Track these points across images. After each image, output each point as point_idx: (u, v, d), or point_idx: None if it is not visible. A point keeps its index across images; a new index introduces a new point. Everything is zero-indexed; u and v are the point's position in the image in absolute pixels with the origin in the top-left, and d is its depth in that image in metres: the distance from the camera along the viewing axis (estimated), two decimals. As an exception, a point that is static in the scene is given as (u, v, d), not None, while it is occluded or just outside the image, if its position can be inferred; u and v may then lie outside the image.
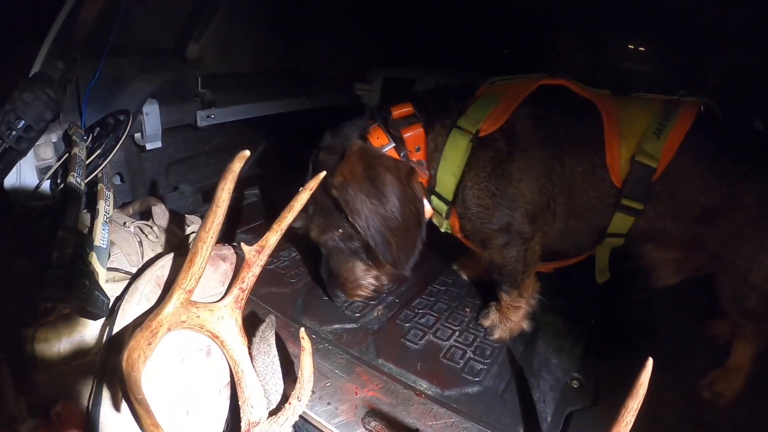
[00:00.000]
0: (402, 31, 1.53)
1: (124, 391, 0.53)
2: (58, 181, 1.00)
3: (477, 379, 0.87)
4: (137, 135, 1.20)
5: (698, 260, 0.90)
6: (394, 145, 0.89)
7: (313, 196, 0.76)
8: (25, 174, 1.08)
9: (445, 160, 0.87)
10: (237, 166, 0.65)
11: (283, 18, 1.41)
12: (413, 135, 0.90)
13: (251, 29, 1.37)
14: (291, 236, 0.89)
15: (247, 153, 0.66)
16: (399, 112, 0.91)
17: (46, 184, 1.06)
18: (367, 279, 1.00)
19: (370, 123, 0.91)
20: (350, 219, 0.84)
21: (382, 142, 0.89)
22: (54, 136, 1.11)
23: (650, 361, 0.51)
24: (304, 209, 0.80)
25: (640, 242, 0.92)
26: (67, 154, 0.92)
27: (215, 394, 0.81)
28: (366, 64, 1.50)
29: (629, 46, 1.40)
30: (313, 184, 0.74)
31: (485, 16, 1.46)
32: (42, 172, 1.10)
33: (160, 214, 0.89)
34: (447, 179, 0.88)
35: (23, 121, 0.83)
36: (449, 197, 0.90)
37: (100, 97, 1.12)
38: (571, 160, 0.87)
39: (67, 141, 0.94)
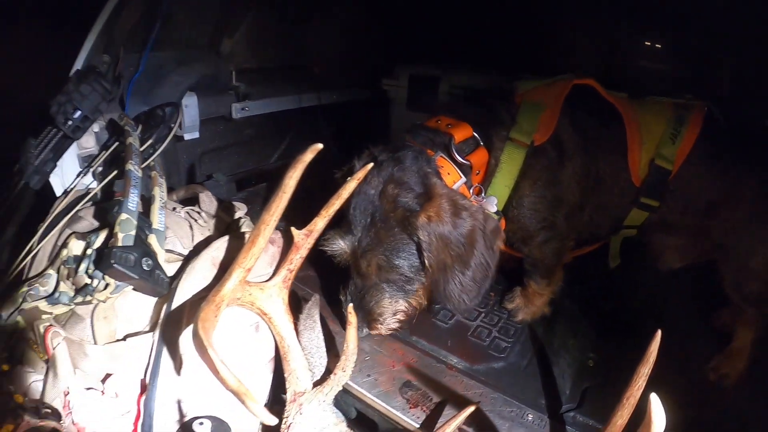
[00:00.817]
0: (424, 29, 1.58)
1: (205, 356, 0.60)
2: (105, 169, 1.07)
3: (502, 355, 0.97)
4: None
5: (703, 247, 0.98)
6: (464, 180, 0.89)
7: (375, 231, 0.82)
8: (66, 162, 1.14)
9: (501, 173, 0.91)
10: (308, 156, 0.71)
11: (310, 15, 1.46)
12: (478, 160, 0.91)
13: (279, 27, 1.42)
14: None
15: (320, 146, 0.72)
16: (460, 135, 0.90)
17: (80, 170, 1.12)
18: (398, 316, 0.94)
19: (430, 153, 0.88)
20: (426, 262, 0.82)
21: (453, 179, 0.89)
22: (96, 126, 1.18)
23: (659, 333, 0.58)
24: (342, 234, 0.86)
25: (651, 232, 1.00)
26: (116, 143, 0.98)
27: (261, 367, 0.88)
28: (390, 61, 1.55)
29: (645, 43, 1.44)
30: (360, 175, 0.80)
31: (503, 12, 1.50)
32: (84, 160, 1.17)
33: (207, 201, 0.96)
34: (502, 191, 0.92)
35: (80, 111, 0.89)
36: (500, 207, 0.93)
37: (141, 89, 1.18)
38: (603, 165, 0.95)
39: (118, 131, 1.00)
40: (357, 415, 0.91)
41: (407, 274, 0.87)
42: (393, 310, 0.93)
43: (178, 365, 0.76)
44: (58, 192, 1.11)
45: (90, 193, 0.99)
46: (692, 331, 1.05)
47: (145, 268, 0.71)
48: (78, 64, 1.13)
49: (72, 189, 1.07)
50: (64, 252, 0.86)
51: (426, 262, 0.81)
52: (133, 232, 0.73)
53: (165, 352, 0.76)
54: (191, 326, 0.72)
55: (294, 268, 0.80)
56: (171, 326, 0.77)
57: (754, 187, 0.90)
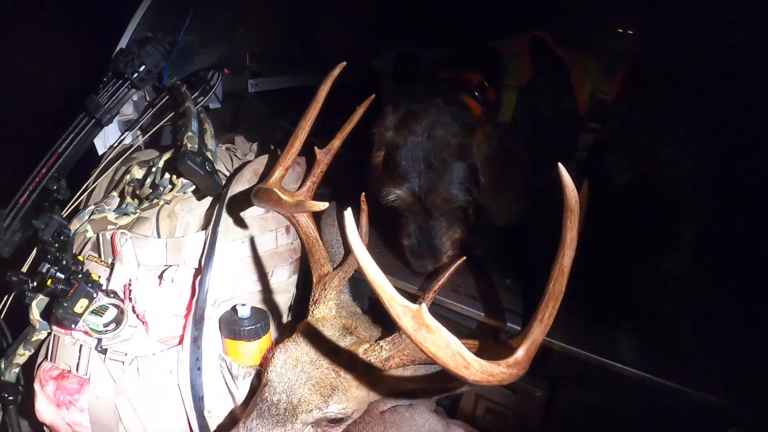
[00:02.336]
0: (407, 12, 1.85)
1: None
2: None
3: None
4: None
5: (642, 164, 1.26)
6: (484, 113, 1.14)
7: (432, 171, 0.99)
8: (108, 128, 1.33)
9: (504, 108, 1.16)
10: (336, 72, 0.94)
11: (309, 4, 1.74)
12: (489, 99, 1.15)
13: (283, 12, 1.69)
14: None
15: (344, 63, 0.94)
16: (475, 81, 1.13)
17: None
18: (456, 243, 1.09)
19: (459, 96, 1.10)
20: (481, 180, 1.00)
21: (478, 113, 1.12)
22: (135, 95, 1.38)
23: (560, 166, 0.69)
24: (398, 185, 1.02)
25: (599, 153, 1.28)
26: (167, 97, 1.18)
27: (288, 264, 1.08)
28: (379, 43, 1.83)
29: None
30: (366, 104, 1.03)
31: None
32: (124, 124, 1.37)
33: (242, 143, 1.18)
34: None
35: (144, 66, 1.10)
36: None
37: (174, 66, 1.40)
38: (560, 102, 1.22)
39: (162, 91, 1.21)
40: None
41: (462, 202, 1.03)
42: (452, 239, 1.08)
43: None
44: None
45: (138, 142, 1.20)
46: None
47: (208, 169, 0.92)
48: (123, 42, 1.35)
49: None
50: (127, 177, 1.06)
51: (481, 179, 1.00)
52: (197, 146, 0.94)
53: (218, 243, 0.96)
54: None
55: (316, 180, 1.02)
56: (223, 222, 0.97)
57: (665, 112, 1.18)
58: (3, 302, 1.08)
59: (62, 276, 0.88)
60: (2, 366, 1.04)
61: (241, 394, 0.97)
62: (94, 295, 0.87)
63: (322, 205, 0.76)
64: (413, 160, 1.01)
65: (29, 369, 1.04)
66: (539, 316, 0.72)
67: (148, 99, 1.32)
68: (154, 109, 1.19)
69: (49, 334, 1.01)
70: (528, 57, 1.18)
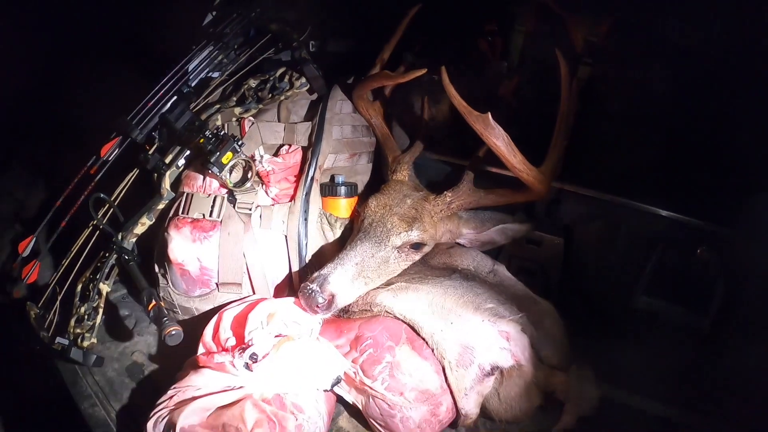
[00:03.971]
0: None
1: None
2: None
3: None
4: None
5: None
6: None
7: None
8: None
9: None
10: (413, 11, 1.36)
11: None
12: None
13: None
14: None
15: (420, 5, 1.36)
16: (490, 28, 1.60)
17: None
18: None
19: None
20: None
21: None
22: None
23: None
24: None
25: None
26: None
27: (367, 154, 1.43)
28: None
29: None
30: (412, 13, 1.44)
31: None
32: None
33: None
34: None
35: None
36: None
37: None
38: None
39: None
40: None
41: None
42: None
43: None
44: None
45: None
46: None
47: (320, 73, 1.30)
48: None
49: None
50: (245, 85, 1.39)
51: None
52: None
53: (326, 127, 1.30)
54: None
55: (387, 92, 1.42)
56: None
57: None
58: (126, 181, 1.31)
59: (212, 135, 1.18)
60: (122, 236, 1.26)
61: (333, 238, 1.27)
62: (238, 149, 1.17)
63: (419, 72, 1.15)
64: None
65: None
66: (554, 147, 1.14)
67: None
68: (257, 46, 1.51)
69: (173, 199, 1.26)
70: (534, 12, 1.49)
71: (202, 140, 1.18)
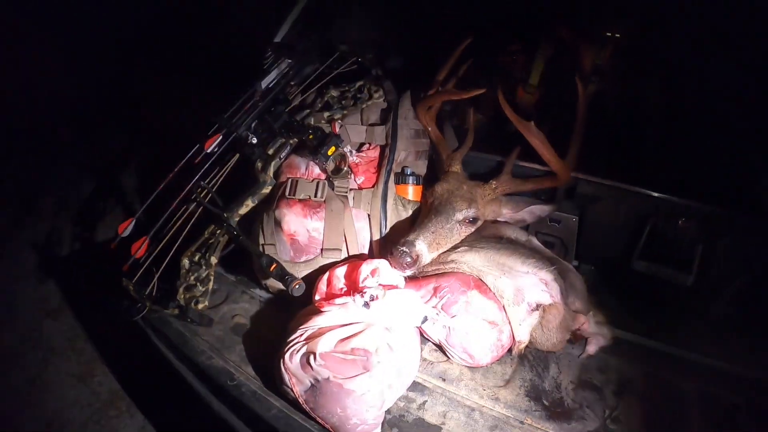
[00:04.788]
0: None
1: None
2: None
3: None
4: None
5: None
6: None
7: None
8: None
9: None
10: (465, 42, 1.75)
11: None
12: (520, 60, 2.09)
13: None
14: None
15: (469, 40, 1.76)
16: (515, 48, 2.08)
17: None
18: None
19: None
20: None
21: None
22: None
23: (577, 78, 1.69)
24: None
25: None
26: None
27: (423, 152, 1.80)
28: None
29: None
30: (463, 46, 1.85)
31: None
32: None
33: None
34: None
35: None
36: None
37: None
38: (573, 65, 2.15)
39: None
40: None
41: None
42: None
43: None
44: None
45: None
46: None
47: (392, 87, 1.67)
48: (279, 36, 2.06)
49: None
50: (328, 95, 1.73)
51: None
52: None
53: (399, 131, 1.66)
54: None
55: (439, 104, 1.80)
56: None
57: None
58: (224, 170, 1.62)
59: (318, 132, 1.51)
60: (228, 215, 1.55)
61: (405, 216, 1.62)
62: (339, 144, 1.51)
63: (479, 91, 1.54)
64: None
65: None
66: (573, 144, 1.55)
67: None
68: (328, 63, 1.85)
69: (274, 186, 1.58)
70: (552, 41, 1.89)
71: (311, 136, 1.51)
